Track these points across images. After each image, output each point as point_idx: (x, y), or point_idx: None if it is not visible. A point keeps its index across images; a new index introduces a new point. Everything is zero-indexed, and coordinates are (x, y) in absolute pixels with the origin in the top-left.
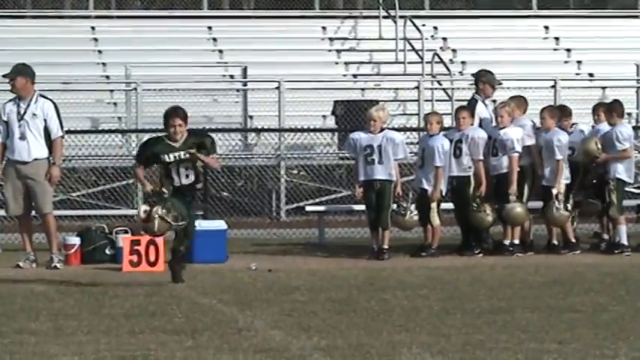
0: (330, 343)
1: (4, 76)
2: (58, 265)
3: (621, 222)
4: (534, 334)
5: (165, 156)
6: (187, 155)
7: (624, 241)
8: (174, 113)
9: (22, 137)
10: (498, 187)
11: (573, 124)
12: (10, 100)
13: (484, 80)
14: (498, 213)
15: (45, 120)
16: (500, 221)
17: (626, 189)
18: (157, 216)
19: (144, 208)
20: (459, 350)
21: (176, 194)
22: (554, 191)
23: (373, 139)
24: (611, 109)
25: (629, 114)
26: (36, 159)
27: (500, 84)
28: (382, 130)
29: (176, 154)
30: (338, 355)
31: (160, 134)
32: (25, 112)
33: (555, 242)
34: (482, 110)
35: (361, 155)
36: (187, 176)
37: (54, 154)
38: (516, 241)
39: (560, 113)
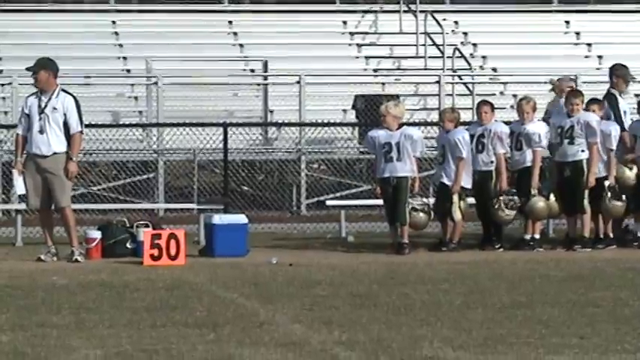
0: (351, 338)
1: (27, 69)
2: (79, 259)
3: None
4: (555, 329)
5: None
6: None
7: None
8: None
9: (42, 131)
10: (521, 182)
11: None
12: (33, 94)
13: (618, 74)
14: (521, 207)
15: (65, 114)
16: (522, 215)
17: None
18: None
19: None
20: (480, 345)
21: None
22: (607, 182)
23: (391, 136)
24: (602, 106)
25: None
26: (55, 153)
27: (634, 79)
28: (400, 126)
29: None
30: (359, 350)
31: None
32: (45, 106)
33: (601, 236)
34: (622, 104)
35: (380, 153)
36: None
37: (72, 148)
38: (537, 236)
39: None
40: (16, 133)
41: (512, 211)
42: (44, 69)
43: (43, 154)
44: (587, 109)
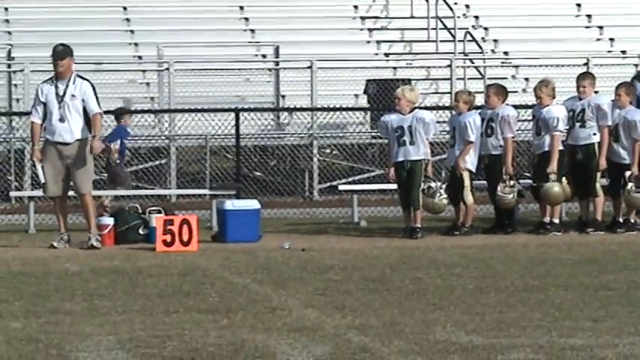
0: (364, 322)
1: (54, 55)
2: (95, 244)
3: None
4: (568, 312)
5: None
6: None
7: None
8: None
9: (62, 119)
10: (540, 166)
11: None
12: (47, 81)
13: None
14: (536, 191)
15: (83, 100)
16: (536, 200)
17: None
18: None
19: None
20: (493, 328)
21: None
22: (628, 173)
23: (403, 120)
24: (629, 91)
25: None
26: (78, 139)
27: None
28: (412, 110)
29: None
30: (372, 334)
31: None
32: (64, 94)
33: (621, 220)
34: None
35: (393, 137)
36: None
37: (93, 129)
38: (556, 220)
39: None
40: (30, 121)
41: (509, 195)
42: (69, 56)
43: (66, 142)
44: (616, 93)
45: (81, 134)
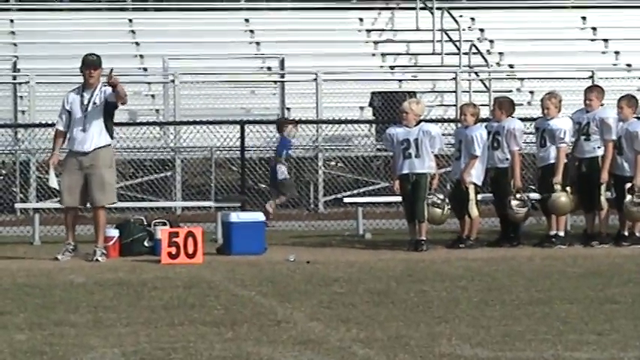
0: (369, 335)
1: (85, 65)
2: (99, 259)
3: None
4: (573, 326)
5: None
6: None
7: None
8: None
9: (84, 129)
10: (545, 178)
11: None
12: (74, 90)
13: None
14: (543, 203)
15: (105, 99)
16: (544, 213)
17: None
18: None
19: None
20: (498, 342)
21: None
22: (627, 185)
23: (409, 132)
24: (631, 104)
25: None
26: (96, 148)
27: None
28: (418, 123)
29: None
30: (377, 347)
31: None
32: (88, 103)
33: (626, 233)
34: None
35: (398, 150)
36: None
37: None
38: (561, 233)
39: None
40: (55, 128)
41: (523, 209)
42: (101, 66)
43: (85, 151)
44: (618, 106)
45: (100, 142)
